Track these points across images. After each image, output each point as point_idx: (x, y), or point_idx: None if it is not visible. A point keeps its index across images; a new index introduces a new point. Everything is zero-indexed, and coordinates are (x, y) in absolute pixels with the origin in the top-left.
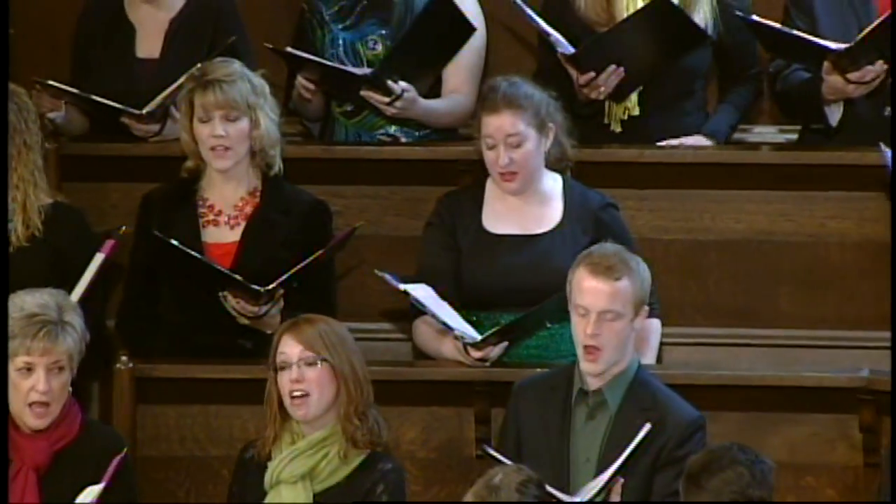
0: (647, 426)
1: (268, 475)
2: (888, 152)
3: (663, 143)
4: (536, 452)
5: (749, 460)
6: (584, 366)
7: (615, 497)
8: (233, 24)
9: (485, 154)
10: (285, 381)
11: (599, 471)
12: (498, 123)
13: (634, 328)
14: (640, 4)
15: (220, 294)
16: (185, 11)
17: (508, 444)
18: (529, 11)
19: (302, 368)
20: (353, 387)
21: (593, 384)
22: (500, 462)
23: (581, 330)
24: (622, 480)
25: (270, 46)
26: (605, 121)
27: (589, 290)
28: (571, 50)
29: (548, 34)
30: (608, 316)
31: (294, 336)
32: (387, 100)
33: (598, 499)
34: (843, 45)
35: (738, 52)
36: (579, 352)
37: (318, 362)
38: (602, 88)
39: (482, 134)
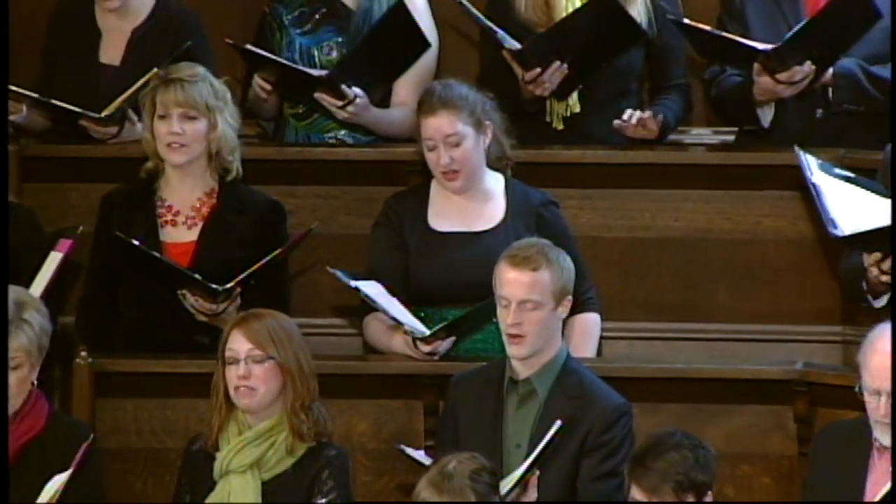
0: (558, 423)
1: (217, 466)
2: (802, 154)
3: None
4: (472, 441)
5: (693, 445)
6: (510, 350)
7: (531, 490)
8: (195, 37)
9: (427, 156)
10: (232, 375)
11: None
12: (436, 124)
13: (558, 317)
14: (578, 4)
15: (179, 292)
16: (148, 22)
17: (447, 436)
18: (474, 10)
19: (249, 365)
20: (300, 382)
21: (522, 373)
22: (414, 460)
23: (504, 319)
24: (538, 473)
25: (231, 42)
26: (548, 119)
27: (508, 281)
28: (517, 46)
29: (494, 31)
30: (528, 305)
31: (243, 332)
32: (339, 103)
33: (511, 495)
34: (770, 46)
35: (666, 56)
36: (505, 340)
37: (266, 360)
38: (547, 85)
39: (422, 137)
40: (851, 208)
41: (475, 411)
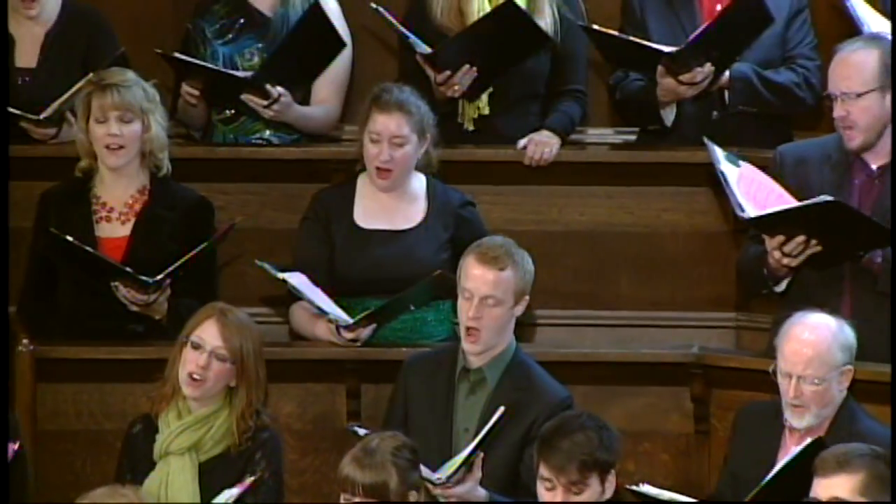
0: (501, 409)
1: (157, 448)
2: (711, 145)
3: (519, 145)
4: (423, 423)
5: (598, 426)
6: (465, 345)
7: (476, 471)
8: (106, 38)
9: (367, 146)
10: (192, 359)
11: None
12: (387, 122)
13: (514, 314)
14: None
15: (112, 284)
16: (59, 25)
17: (397, 415)
18: (389, 16)
19: (211, 359)
20: (253, 390)
21: (474, 363)
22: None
23: (464, 312)
24: (482, 455)
25: (160, 52)
26: (459, 120)
27: (474, 276)
28: (428, 50)
29: (407, 37)
30: (489, 301)
31: (220, 328)
32: (265, 102)
33: (456, 476)
34: (673, 49)
35: (568, 62)
36: (462, 332)
37: (228, 361)
38: (457, 87)
39: (369, 129)
40: (756, 194)
41: (427, 395)
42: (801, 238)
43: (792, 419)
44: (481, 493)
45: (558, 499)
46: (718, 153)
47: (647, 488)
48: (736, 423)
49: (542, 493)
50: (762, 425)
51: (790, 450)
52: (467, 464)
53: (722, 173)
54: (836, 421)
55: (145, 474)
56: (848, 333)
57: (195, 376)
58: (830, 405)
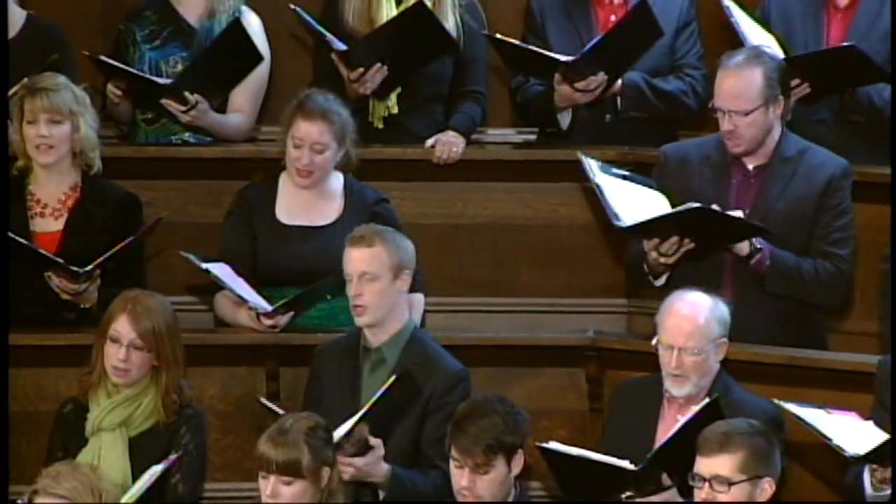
0: (392, 378)
1: (89, 425)
2: (585, 159)
3: (427, 144)
4: (333, 401)
5: (505, 411)
6: (356, 320)
7: (378, 448)
8: (62, 46)
9: (289, 149)
10: (112, 352)
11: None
12: (309, 129)
13: (398, 289)
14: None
15: (46, 274)
16: (21, 36)
17: (312, 398)
18: (307, 17)
19: (130, 351)
20: (174, 369)
21: (374, 342)
22: (273, 412)
23: (350, 293)
24: (379, 440)
25: (87, 54)
26: (370, 119)
27: (349, 259)
28: (343, 47)
29: (323, 35)
30: (366, 277)
31: (131, 322)
32: (182, 108)
33: (350, 440)
34: (570, 58)
35: (469, 65)
36: (352, 311)
37: (145, 350)
38: (369, 84)
39: (293, 133)
40: (630, 201)
41: (336, 376)
42: (674, 238)
43: (672, 388)
44: (384, 467)
45: (465, 478)
46: (593, 166)
47: (554, 445)
48: (615, 398)
49: (453, 470)
50: (641, 399)
51: (669, 419)
52: (356, 430)
53: (598, 186)
54: (713, 390)
55: (77, 451)
56: (723, 309)
57: (119, 367)
58: (708, 375)
